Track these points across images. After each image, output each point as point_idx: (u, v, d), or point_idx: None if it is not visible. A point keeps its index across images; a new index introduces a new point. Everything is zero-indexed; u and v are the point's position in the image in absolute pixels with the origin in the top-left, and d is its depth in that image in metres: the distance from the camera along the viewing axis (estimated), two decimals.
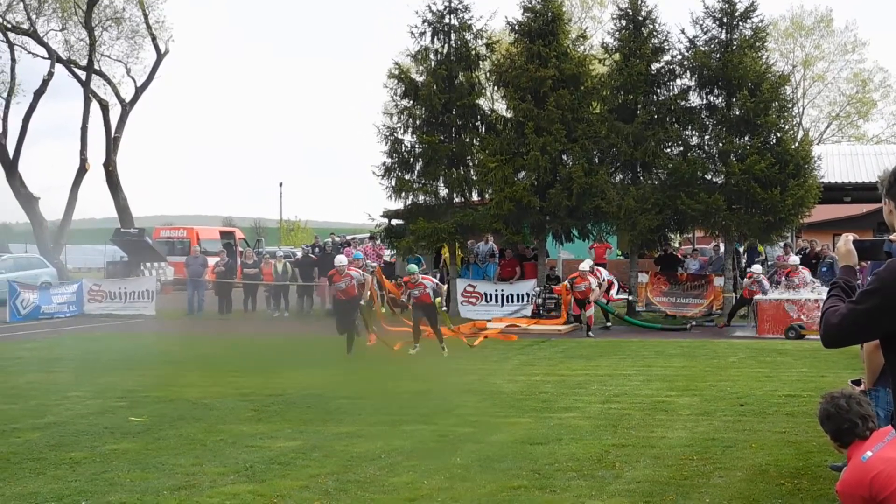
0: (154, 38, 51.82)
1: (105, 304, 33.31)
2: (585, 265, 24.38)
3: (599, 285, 22.89)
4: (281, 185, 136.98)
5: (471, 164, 31.01)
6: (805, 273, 25.98)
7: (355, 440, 11.82)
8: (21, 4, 48.13)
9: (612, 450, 10.88)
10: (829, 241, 32.82)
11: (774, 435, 11.59)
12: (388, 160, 31.29)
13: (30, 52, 50.29)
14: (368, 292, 21.50)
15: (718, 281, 28.20)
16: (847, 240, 5.97)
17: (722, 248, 30.03)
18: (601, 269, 22.95)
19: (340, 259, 21.65)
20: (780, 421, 12.52)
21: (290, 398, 15.27)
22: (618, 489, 9.11)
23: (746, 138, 28.21)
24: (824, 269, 27.04)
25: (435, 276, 25.49)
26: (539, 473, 9.79)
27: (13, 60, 49.19)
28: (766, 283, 21.14)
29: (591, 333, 24.21)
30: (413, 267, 22.17)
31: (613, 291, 27.90)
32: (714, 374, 17.45)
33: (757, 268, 21.51)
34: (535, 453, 10.79)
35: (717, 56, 28.71)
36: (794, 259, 26.74)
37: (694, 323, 26.72)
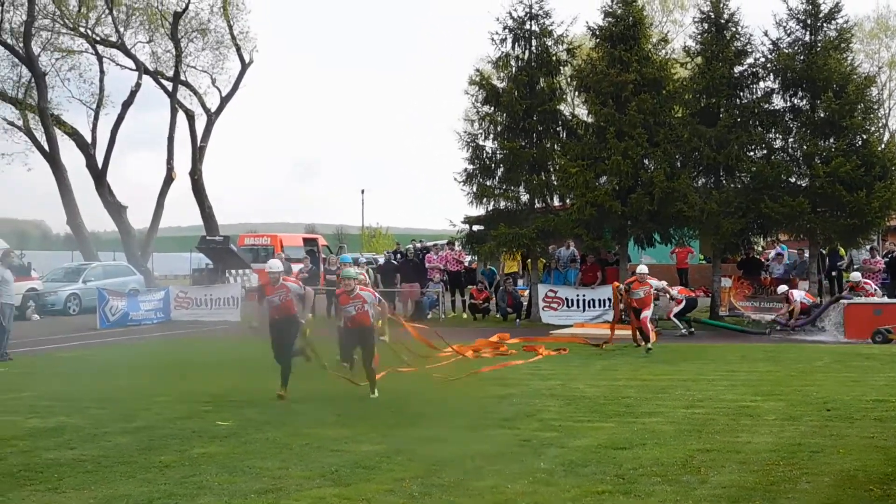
0: (238, 49, 52.93)
1: (191, 311, 33.99)
2: (643, 268, 22.03)
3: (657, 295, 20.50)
4: (363, 192, 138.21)
5: (552, 169, 31.05)
6: (869, 286, 26.03)
7: (439, 444, 11.82)
8: (109, 18, 49.20)
9: (696, 455, 10.78)
10: None
11: (862, 440, 11.40)
12: (470, 166, 31.52)
13: (118, 64, 51.80)
14: (310, 313, 16.92)
15: (803, 285, 27.89)
16: None
17: (807, 253, 29.78)
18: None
19: (273, 264, 16.86)
20: (869, 426, 12.31)
21: (374, 402, 15.46)
22: (703, 494, 9.00)
23: (831, 140, 28.01)
24: None
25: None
26: (623, 478, 9.72)
27: (102, 72, 50.57)
28: (793, 294, 19.87)
29: (649, 347, 21.38)
30: (350, 271, 16.51)
31: (678, 309, 27.35)
32: (799, 379, 17.17)
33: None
34: (618, 458, 10.69)
35: (801, 58, 28.49)
36: (856, 275, 26.54)
37: (779, 327, 26.25)
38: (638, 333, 21.51)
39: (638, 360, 20.96)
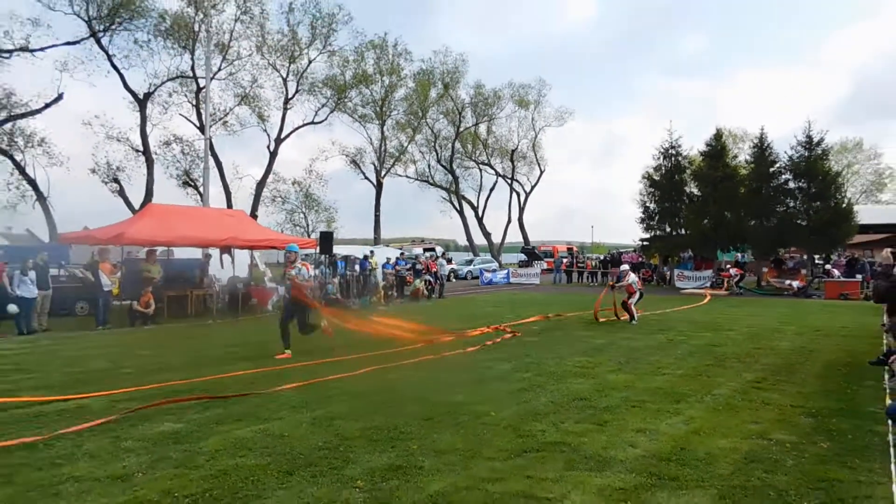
0: (539, 163, 54.16)
1: (520, 279, 34.29)
2: (625, 266, 16.01)
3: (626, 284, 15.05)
4: (592, 226, 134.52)
5: (681, 216, 30.64)
6: (834, 272, 25.58)
7: (633, 341, 11.63)
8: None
9: (752, 350, 10.47)
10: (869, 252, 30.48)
11: (835, 345, 11.10)
12: (642, 216, 31.59)
13: (484, 173, 53.76)
14: None
15: (804, 272, 26.96)
16: (887, 251, 7.63)
17: (805, 256, 29.05)
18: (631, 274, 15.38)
19: None
20: (839, 339, 11.92)
21: (643, 318, 15.24)
22: (757, 369, 8.79)
23: (819, 203, 26.87)
24: (859, 266, 25.79)
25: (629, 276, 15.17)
26: (718, 359, 9.57)
27: (481, 177, 53.68)
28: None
29: (634, 321, 14.55)
30: None
31: (736, 279, 26.75)
32: (803, 316, 16.66)
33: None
34: (715, 350, 10.49)
35: (803, 163, 27.44)
36: (829, 268, 26.27)
37: (792, 293, 25.12)
38: (626, 311, 14.93)
39: (724, 306, 19.80)
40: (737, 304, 21.11)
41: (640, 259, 34.25)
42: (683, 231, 30.80)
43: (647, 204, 31.71)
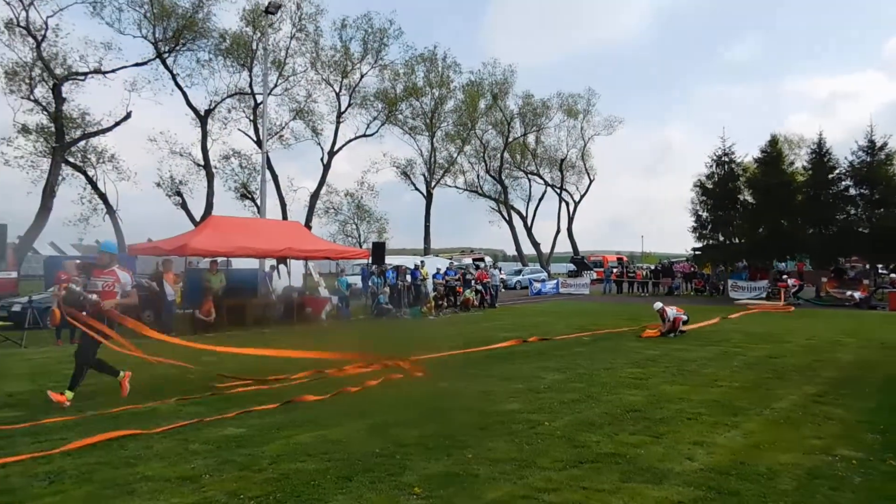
0: (588, 173, 53.93)
1: (569, 289, 34.01)
2: (658, 304, 14.57)
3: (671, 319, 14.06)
4: (642, 237, 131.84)
5: (734, 224, 30.21)
6: None
7: (686, 352, 11.80)
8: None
9: (812, 363, 10.25)
10: None
11: None
12: (695, 224, 31.21)
13: (533, 182, 54.50)
14: None
15: (866, 282, 25.99)
16: None
17: (868, 266, 27.93)
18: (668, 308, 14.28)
19: None
20: None
21: (696, 330, 14.95)
22: (818, 382, 8.59)
23: (882, 210, 26.10)
24: None
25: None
26: (776, 372, 9.39)
27: (530, 186, 53.44)
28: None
29: (672, 335, 13.82)
30: None
31: (795, 289, 25.86)
32: (865, 328, 16.06)
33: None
34: (773, 362, 10.32)
35: (865, 169, 26.75)
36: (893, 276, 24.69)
37: (853, 304, 24.23)
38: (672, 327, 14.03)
39: (784, 318, 19.06)
40: (795, 315, 20.46)
41: (692, 269, 33.67)
42: (737, 240, 30.23)
43: (700, 212, 31.30)
